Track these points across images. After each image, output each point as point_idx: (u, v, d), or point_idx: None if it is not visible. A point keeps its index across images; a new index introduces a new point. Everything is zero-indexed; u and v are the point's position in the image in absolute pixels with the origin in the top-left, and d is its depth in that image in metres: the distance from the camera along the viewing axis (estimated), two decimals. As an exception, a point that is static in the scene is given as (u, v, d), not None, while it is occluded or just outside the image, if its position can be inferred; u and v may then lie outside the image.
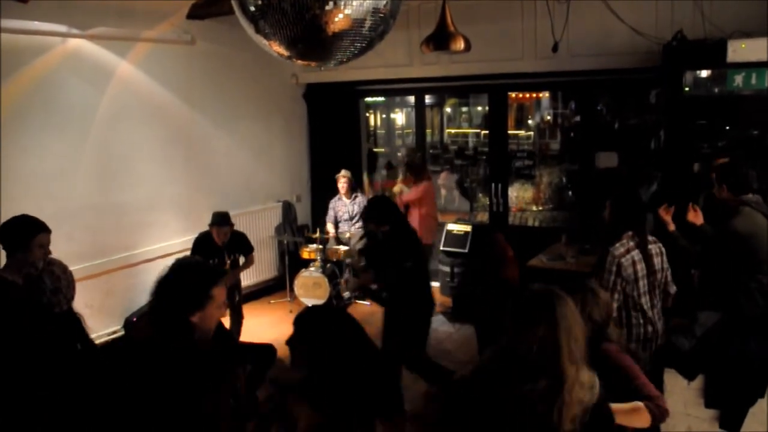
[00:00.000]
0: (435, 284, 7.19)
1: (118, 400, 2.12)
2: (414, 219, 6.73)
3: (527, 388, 2.04)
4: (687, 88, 5.52)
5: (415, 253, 5.02)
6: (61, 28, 5.71)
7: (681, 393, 4.18)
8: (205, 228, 5.80)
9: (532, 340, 2.09)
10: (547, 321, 2.10)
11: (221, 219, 5.76)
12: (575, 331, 2.12)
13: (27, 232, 3.43)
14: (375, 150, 9.82)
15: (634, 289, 3.75)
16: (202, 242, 5.79)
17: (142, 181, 6.56)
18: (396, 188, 8.67)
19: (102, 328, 5.94)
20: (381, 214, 5.01)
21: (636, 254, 3.77)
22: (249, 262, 6.07)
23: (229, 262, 5.71)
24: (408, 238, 5.07)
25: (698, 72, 5.51)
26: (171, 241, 6.74)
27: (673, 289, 4.02)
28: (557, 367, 2.06)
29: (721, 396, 3.80)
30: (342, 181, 7.67)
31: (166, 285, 2.23)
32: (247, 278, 7.69)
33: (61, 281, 3.02)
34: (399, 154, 10.16)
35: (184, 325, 2.16)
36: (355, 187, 7.90)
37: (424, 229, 6.82)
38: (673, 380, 4.01)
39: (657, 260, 3.88)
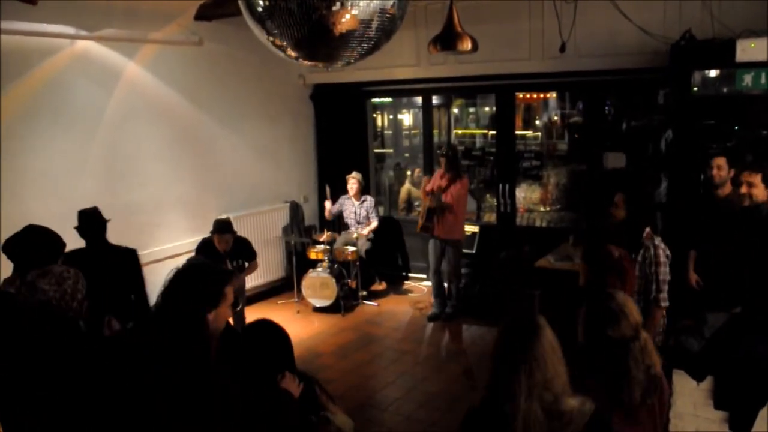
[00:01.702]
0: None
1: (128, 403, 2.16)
2: (454, 215, 6.75)
3: None
4: (695, 88, 5.49)
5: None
6: (69, 29, 5.74)
7: (690, 394, 4.16)
8: (207, 232, 5.82)
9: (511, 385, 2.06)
10: (523, 367, 2.05)
11: (221, 227, 5.72)
12: (549, 370, 2.07)
13: (57, 248, 3.34)
14: (382, 151, 9.82)
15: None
16: (204, 248, 5.77)
17: (149, 181, 6.58)
18: (403, 188, 8.68)
19: (110, 328, 5.94)
20: (83, 231, 4.37)
21: None
22: (252, 268, 6.08)
23: (231, 269, 5.64)
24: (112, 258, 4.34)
25: (706, 72, 5.48)
26: (178, 242, 6.75)
27: None
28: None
29: (731, 397, 3.78)
30: (351, 182, 7.68)
31: (183, 283, 2.29)
32: (255, 279, 7.71)
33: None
34: (407, 155, 10.18)
35: (200, 323, 2.22)
36: (364, 189, 7.90)
37: (461, 226, 6.91)
38: (682, 381, 3.99)
39: None
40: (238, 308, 5.93)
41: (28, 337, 2.79)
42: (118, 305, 3.94)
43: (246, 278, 6.24)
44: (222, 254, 5.73)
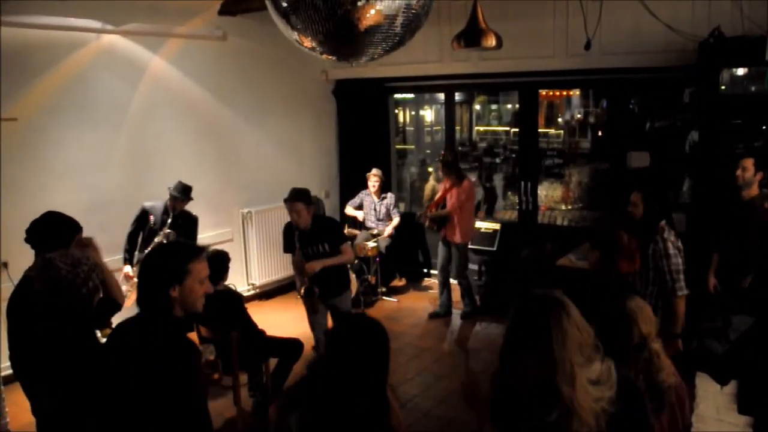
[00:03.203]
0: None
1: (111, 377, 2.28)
2: (457, 218, 6.68)
3: (539, 418, 2.00)
4: (723, 87, 5.41)
5: None
6: (96, 24, 5.81)
7: (713, 398, 4.11)
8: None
9: (530, 364, 2.03)
10: (543, 344, 2.00)
11: (290, 194, 5.00)
12: (575, 339, 2.01)
13: (71, 231, 3.38)
14: (404, 147, 9.80)
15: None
16: (287, 230, 5.25)
17: (172, 174, 6.59)
18: (428, 185, 8.63)
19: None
20: None
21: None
22: (340, 257, 5.02)
23: (320, 249, 4.97)
24: None
25: (735, 70, 5.40)
26: (200, 235, 6.77)
27: None
28: (557, 390, 2.00)
29: (755, 402, 3.72)
30: (373, 180, 7.65)
31: (148, 263, 2.40)
32: (276, 273, 7.76)
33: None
34: (428, 152, 10.15)
35: (164, 299, 2.30)
36: (384, 185, 7.88)
37: (466, 228, 6.78)
38: (705, 384, 3.95)
39: None
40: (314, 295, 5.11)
41: (41, 311, 2.88)
42: None
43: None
44: (301, 233, 5.00)
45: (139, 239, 5.75)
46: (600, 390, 2.02)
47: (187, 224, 5.85)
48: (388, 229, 7.64)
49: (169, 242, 2.55)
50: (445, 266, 7.01)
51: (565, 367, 1.98)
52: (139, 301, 2.35)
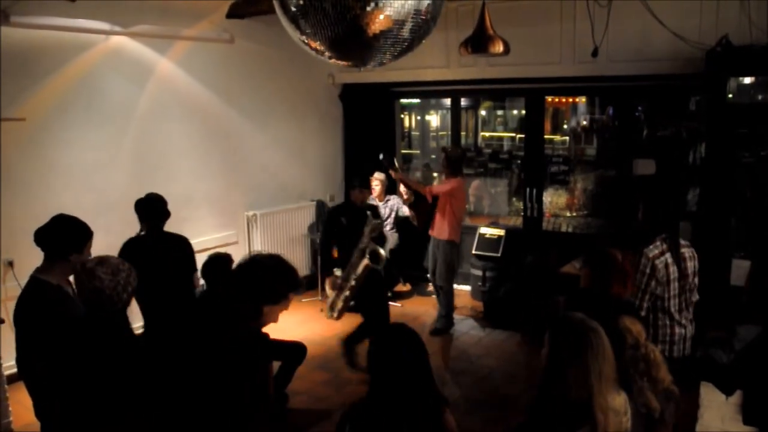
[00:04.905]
0: (466, 288, 7.15)
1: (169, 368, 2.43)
2: (442, 213, 6.56)
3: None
4: (730, 96, 5.40)
5: None
6: (104, 25, 5.83)
7: (718, 408, 4.09)
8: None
9: (566, 381, 2.13)
10: (579, 361, 2.12)
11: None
12: (606, 368, 2.14)
13: (84, 237, 3.38)
14: (409, 152, 9.79)
15: (665, 292, 3.80)
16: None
17: (178, 176, 6.64)
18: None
19: (136, 321, 5.99)
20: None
21: (668, 257, 3.81)
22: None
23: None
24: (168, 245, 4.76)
25: (742, 79, 5.39)
26: (205, 237, 6.80)
27: (695, 297, 4.01)
28: (590, 410, 2.08)
29: (761, 413, 3.70)
30: (375, 183, 7.63)
31: (257, 272, 2.49)
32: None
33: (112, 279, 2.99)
34: (433, 156, 10.15)
35: (255, 312, 2.42)
36: (390, 189, 7.86)
37: (452, 226, 6.61)
38: (710, 394, 3.93)
39: (690, 264, 3.91)
40: None
41: (71, 325, 2.89)
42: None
43: None
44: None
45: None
46: (620, 419, 2.15)
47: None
48: (406, 210, 7.52)
49: (283, 261, 2.63)
50: (434, 269, 6.81)
51: (599, 395, 2.10)
52: (227, 302, 2.43)
